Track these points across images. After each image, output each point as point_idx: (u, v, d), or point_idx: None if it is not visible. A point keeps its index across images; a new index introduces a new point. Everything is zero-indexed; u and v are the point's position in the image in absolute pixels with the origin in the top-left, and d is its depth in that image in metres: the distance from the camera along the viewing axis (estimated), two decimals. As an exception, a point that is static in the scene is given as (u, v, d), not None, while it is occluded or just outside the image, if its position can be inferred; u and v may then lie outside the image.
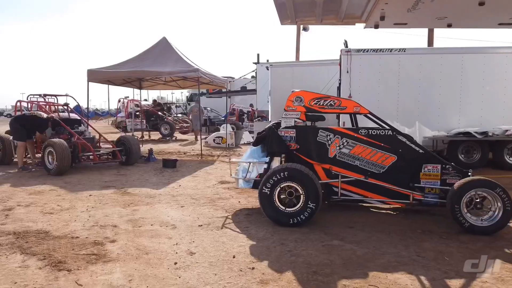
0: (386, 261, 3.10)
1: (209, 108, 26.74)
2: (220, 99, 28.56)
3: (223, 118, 20.42)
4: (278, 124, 4.80)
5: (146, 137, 16.82)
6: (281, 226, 4.05)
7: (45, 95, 11.16)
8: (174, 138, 16.26)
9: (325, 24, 6.51)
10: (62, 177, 7.07)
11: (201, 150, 10.33)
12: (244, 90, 27.33)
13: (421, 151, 4.38)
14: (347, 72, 8.76)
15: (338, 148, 4.48)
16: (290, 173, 4.08)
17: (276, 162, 4.71)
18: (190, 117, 16.72)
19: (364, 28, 6.23)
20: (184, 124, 16.89)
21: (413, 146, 4.39)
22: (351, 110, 4.56)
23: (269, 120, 13.92)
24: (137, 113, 16.79)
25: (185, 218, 4.45)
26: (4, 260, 3.18)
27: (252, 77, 29.15)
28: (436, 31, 16.32)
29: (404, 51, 8.56)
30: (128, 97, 20.27)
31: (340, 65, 10.91)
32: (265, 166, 4.74)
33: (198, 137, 13.97)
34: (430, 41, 17.02)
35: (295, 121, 4.63)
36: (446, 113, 8.39)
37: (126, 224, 4.19)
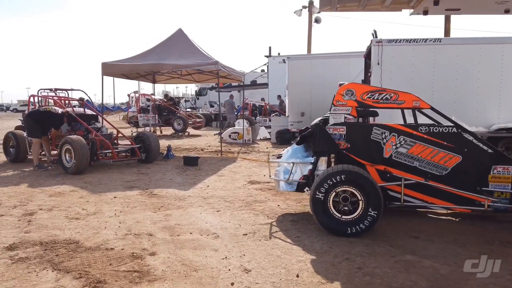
0: (480, 283, 2.66)
1: (218, 102, 26.33)
2: (230, 93, 28.17)
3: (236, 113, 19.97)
4: (325, 121, 4.34)
5: (158, 133, 16.43)
6: (336, 236, 3.62)
7: (56, 89, 10.78)
8: (187, 134, 15.86)
9: (368, 11, 6.00)
10: (81, 176, 6.68)
11: (221, 146, 9.89)
12: (254, 84, 26.79)
13: (490, 150, 3.91)
14: (378, 64, 8.25)
15: (394, 147, 4.02)
16: (348, 176, 3.63)
17: (322, 163, 4.26)
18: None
19: (410, 14, 5.73)
20: (197, 119, 16.45)
21: (480, 145, 3.92)
22: (410, 105, 4.09)
23: (287, 115, 13.47)
24: (149, 107, 16.39)
25: (225, 225, 4.02)
26: (34, 279, 2.78)
27: (262, 70, 28.64)
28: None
29: (440, 41, 8.04)
30: (137, 91, 19.90)
31: (365, 56, 10.41)
32: (310, 167, 4.30)
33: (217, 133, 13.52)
34: (447, 32, 16.38)
35: (345, 117, 4.17)
36: (485, 107, 7.88)
37: (162, 232, 3.78)
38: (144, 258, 3.15)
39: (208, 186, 5.92)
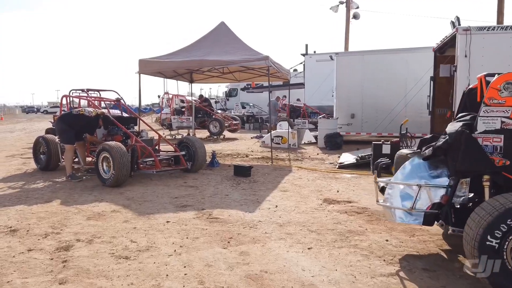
0: None
1: (251, 104, 25.25)
2: (261, 94, 27.05)
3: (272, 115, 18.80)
4: (468, 126, 3.09)
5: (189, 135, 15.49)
6: (519, 303, 2.38)
7: (88, 90, 9.95)
8: (222, 137, 14.83)
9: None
10: (121, 189, 5.68)
11: (271, 154, 8.74)
12: (287, 84, 25.49)
13: None
14: (466, 56, 6.89)
15: None
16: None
17: (463, 187, 3.02)
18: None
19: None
20: (234, 121, 15.40)
21: None
22: None
23: (335, 116, 12.20)
24: (183, 109, 15.49)
25: (333, 275, 2.85)
26: None
27: (294, 70, 27.35)
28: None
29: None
30: (168, 92, 19.09)
31: (435, 50, 9.03)
32: (443, 191, 3.07)
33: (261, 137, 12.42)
34: (500, 12, 14.60)
35: (502, 122, 2.92)
36: None
37: None
38: None
39: (276, 206, 4.76)
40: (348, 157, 8.48)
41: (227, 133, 15.45)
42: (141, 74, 8.93)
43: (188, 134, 15.72)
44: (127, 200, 5.11)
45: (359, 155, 7.81)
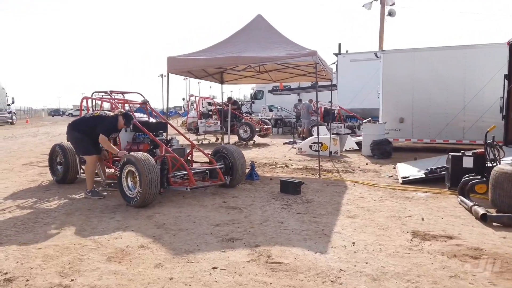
0: None
1: (279, 107, 24.09)
2: (288, 96, 25.81)
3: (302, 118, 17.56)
4: None
5: (219, 141, 14.47)
6: None
7: (111, 92, 9.08)
8: (252, 142, 13.74)
9: None
10: (149, 212, 4.64)
11: (319, 165, 7.53)
12: (315, 86, 24.13)
13: None
14: None
15: None
16: None
17: None
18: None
19: None
20: (264, 126, 14.27)
21: None
22: None
23: (382, 121, 10.89)
24: (210, 112, 14.52)
25: None
26: None
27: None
28: None
29: None
30: (193, 95, 18.19)
31: (509, 43, 7.68)
32: None
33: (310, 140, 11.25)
34: None
35: None
36: None
37: None
38: None
39: (353, 243, 3.58)
40: (409, 170, 7.19)
41: (257, 138, 14.36)
42: (169, 74, 7.96)
43: (216, 140, 14.74)
44: (157, 228, 4.04)
45: (428, 168, 6.51)
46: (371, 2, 22.98)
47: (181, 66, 7.89)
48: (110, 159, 6.00)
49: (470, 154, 5.75)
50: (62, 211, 4.69)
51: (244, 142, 13.57)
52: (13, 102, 31.29)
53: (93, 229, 4.01)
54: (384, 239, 3.71)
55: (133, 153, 4.97)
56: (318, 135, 8.43)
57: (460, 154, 5.77)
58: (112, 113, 5.69)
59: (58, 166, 6.35)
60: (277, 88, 22.88)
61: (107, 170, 6.02)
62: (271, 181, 6.62)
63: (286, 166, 8.43)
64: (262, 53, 7.37)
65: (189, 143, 6.36)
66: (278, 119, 20.60)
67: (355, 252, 3.36)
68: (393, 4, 22.30)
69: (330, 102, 20.26)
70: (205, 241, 3.65)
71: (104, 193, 5.56)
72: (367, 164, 8.83)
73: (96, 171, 5.93)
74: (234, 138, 14.25)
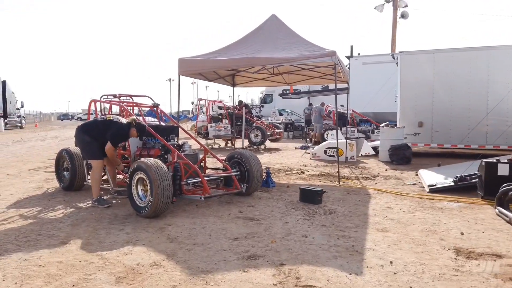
0: None
1: (289, 110, 23.70)
2: (297, 100, 25.42)
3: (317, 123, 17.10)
4: None
5: (228, 145, 14.14)
6: None
7: (120, 95, 8.81)
8: (264, 147, 13.38)
9: None
10: (160, 223, 4.29)
11: (338, 171, 7.12)
12: (326, 90, 23.71)
13: None
14: None
15: None
16: None
17: None
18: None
19: None
20: (276, 130, 13.90)
21: None
22: None
23: (401, 125, 10.45)
24: (220, 116, 14.19)
25: None
26: None
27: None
28: None
29: None
30: (202, 98, 17.90)
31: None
32: None
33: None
34: None
35: None
36: None
37: None
38: None
39: (391, 263, 3.18)
40: (434, 177, 6.76)
41: (268, 143, 13.98)
42: (180, 76, 7.65)
43: (226, 144, 14.41)
44: (170, 241, 3.69)
45: (457, 175, 6.08)
46: (383, 4, 22.58)
47: (193, 68, 7.59)
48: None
49: (506, 160, 5.32)
50: (67, 222, 4.37)
51: (255, 147, 13.22)
52: (22, 106, 31.39)
53: (101, 242, 3.67)
54: (425, 257, 3.30)
55: (144, 159, 4.63)
56: (337, 139, 7.98)
57: (495, 160, 5.34)
58: (125, 119, 5.37)
59: (65, 172, 6.05)
60: (287, 91, 22.49)
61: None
62: (288, 189, 6.24)
63: (302, 172, 8.04)
64: (278, 53, 7.03)
65: (202, 147, 6.02)
66: (288, 123, 20.22)
67: (394, 273, 2.97)
68: (406, 6, 21.88)
69: (342, 105, 19.87)
70: (223, 258, 3.29)
71: (113, 201, 5.23)
72: (386, 170, 8.41)
73: (105, 176, 5.62)
74: (244, 143, 13.91)
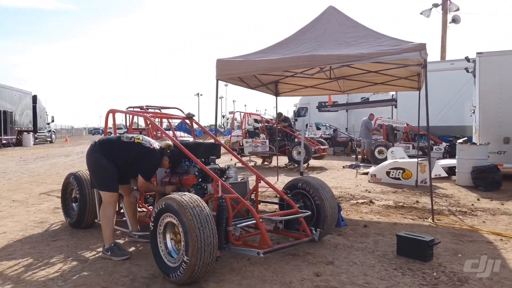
0: None
1: (327, 125, 21.95)
2: (336, 113, 23.66)
3: (357, 137, 15.31)
4: None
5: (263, 162, 12.56)
6: None
7: (147, 107, 7.50)
8: (306, 165, 11.69)
9: None
10: (200, 298, 2.71)
11: (432, 203, 5.32)
12: (366, 102, 21.66)
13: None
14: None
15: None
16: None
17: None
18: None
19: None
20: (321, 146, 12.19)
21: None
22: None
23: (482, 141, 8.53)
24: (257, 130, 12.69)
25: None
26: None
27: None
28: None
29: None
30: (233, 111, 16.50)
31: None
32: None
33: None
34: None
35: None
36: None
37: None
38: None
39: None
40: None
41: (311, 161, 12.27)
42: (218, 81, 6.20)
43: (263, 161, 12.86)
44: None
45: None
46: (430, 9, 20.66)
47: (235, 70, 6.09)
48: (142, 198, 4.21)
49: None
50: (69, 284, 2.87)
51: (296, 165, 11.56)
52: (52, 121, 31.24)
53: None
54: None
55: (175, 195, 3.09)
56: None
57: None
58: (157, 143, 3.90)
59: (73, 204, 4.64)
60: (326, 103, 20.73)
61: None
62: (368, 230, 4.55)
63: (371, 202, 6.30)
64: (346, 50, 5.44)
65: (251, 171, 4.41)
66: (327, 138, 18.42)
67: None
68: (458, 9, 19.86)
69: (389, 118, 17.81)
70: None
71: (132, 248, 3.73)
72: (478, 200, 6.53)
73: (122, 210, 4.15)
74: (282, 160, 12.30)
